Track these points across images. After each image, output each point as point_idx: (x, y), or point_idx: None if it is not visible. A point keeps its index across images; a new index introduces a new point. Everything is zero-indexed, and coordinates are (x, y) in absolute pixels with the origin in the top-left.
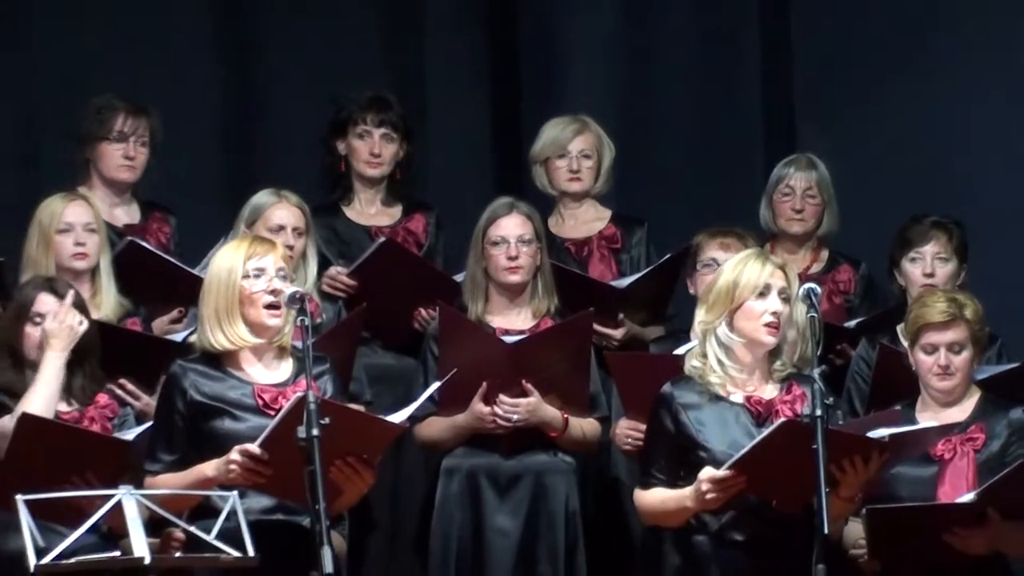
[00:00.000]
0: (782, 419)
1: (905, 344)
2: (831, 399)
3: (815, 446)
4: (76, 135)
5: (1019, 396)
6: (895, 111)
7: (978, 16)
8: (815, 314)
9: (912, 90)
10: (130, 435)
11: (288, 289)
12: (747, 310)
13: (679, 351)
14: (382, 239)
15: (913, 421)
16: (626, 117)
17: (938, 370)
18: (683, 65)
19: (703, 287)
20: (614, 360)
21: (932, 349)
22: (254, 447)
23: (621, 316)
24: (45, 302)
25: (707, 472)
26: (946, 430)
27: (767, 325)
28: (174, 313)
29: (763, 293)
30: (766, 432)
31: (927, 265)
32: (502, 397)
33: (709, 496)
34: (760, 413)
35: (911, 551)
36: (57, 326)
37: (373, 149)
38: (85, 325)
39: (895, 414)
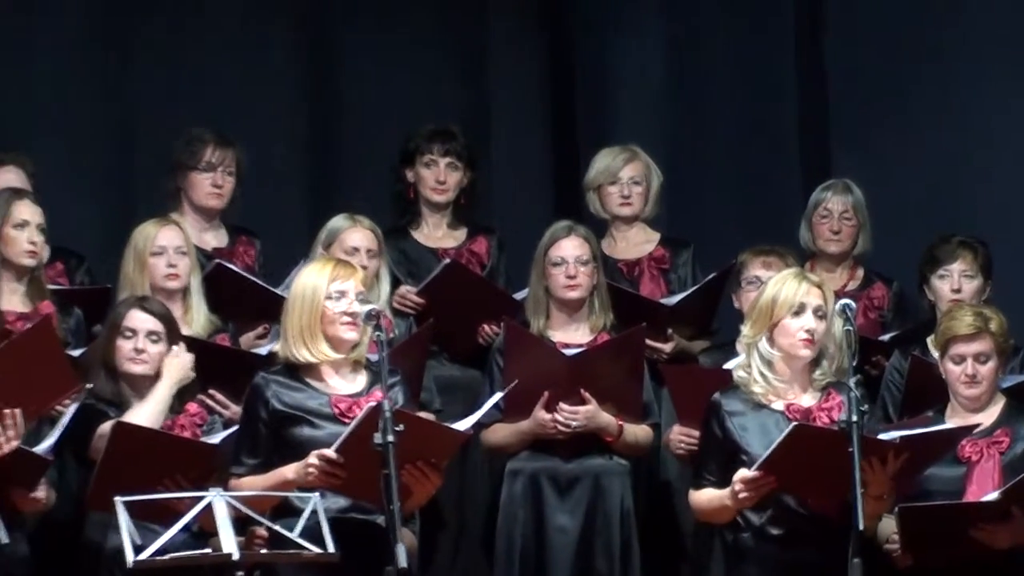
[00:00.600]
0: (793, 423)
1: (935, 355)
2: (866, 406)
3: (851, 449)
4: (169, 165)
5: None
6: (923, 139)
7: (1001, 47)
8: (851, 328)
9: (939, 119)
10: (216, 439)
11: (364, 308)
12: (784, 327)
13: (728, 365)
14: (447, 261)
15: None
16: (673, 146)
17: (965, 379)
18: (725, 97)
19: (747, 303)
20: (669, 372)
21: (960, 359)
22: (330, 452)
23: (670, 331)
24: (136, 318)
25: (740, 473)
26: (965, 431)
27: (802, 340)
28: (259, 329)
29: (798, 311)
30: (782, 436)
31: (954, 282)
32: (562, 405)
33: (742, 495)
34: (798, 419)
35: (940, 546)
36: (176, 363)
37: (439, 177)
38: (190, 366)
39: (926, 420)
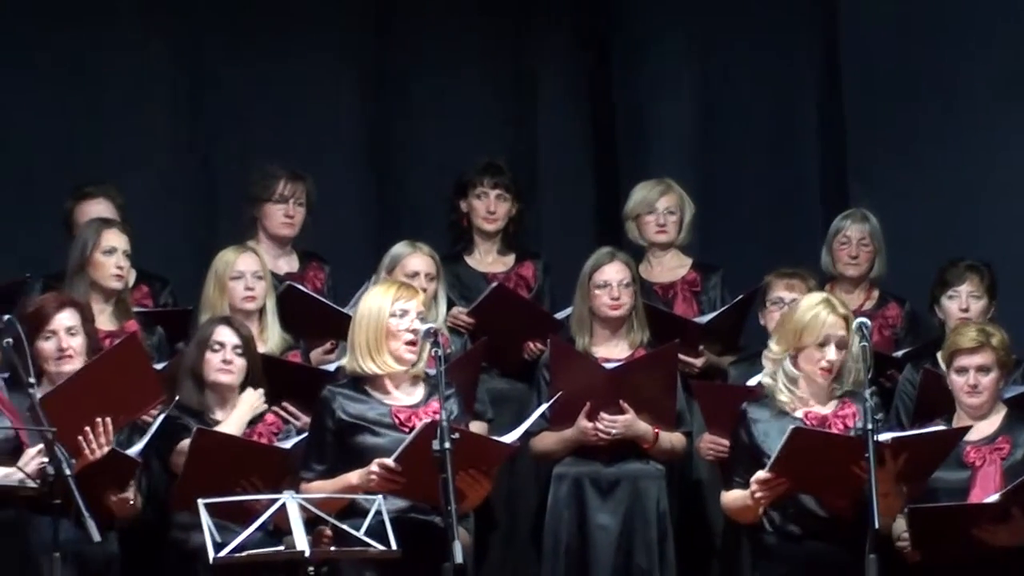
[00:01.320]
0: (792, 427)
1: (944, 368)
2: (880, 415)
3: (867, 455)
4: (246, 197)
5: None
6: (932, 173)
7: (1001, 89)
8: (866, 344)
9: (946, 156)
10: (288, 444)
11: (424, 326)
12: (808, 354)
13: (751, 382)
14: (494, 284)
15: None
16: (705, 179)
17: (968, 388)
18: (751, 135)
19: (772, 321)
20: (698, 387)
21: (963, 371)
22: (390, 461)
23: (701, 347)
24: (224, 334)
25: (756, 475)
26: (958, 433)
27: (822, 370)
28: (327, 345)
29: (823, 343)
30: (783, 439)
31: (962, 302)
32: (603, 414)
33: (757, 495)
34: (814, 426)
35: (947, 543)
36: (255, 397)
37: (489, 207)
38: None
39: (935, 426)
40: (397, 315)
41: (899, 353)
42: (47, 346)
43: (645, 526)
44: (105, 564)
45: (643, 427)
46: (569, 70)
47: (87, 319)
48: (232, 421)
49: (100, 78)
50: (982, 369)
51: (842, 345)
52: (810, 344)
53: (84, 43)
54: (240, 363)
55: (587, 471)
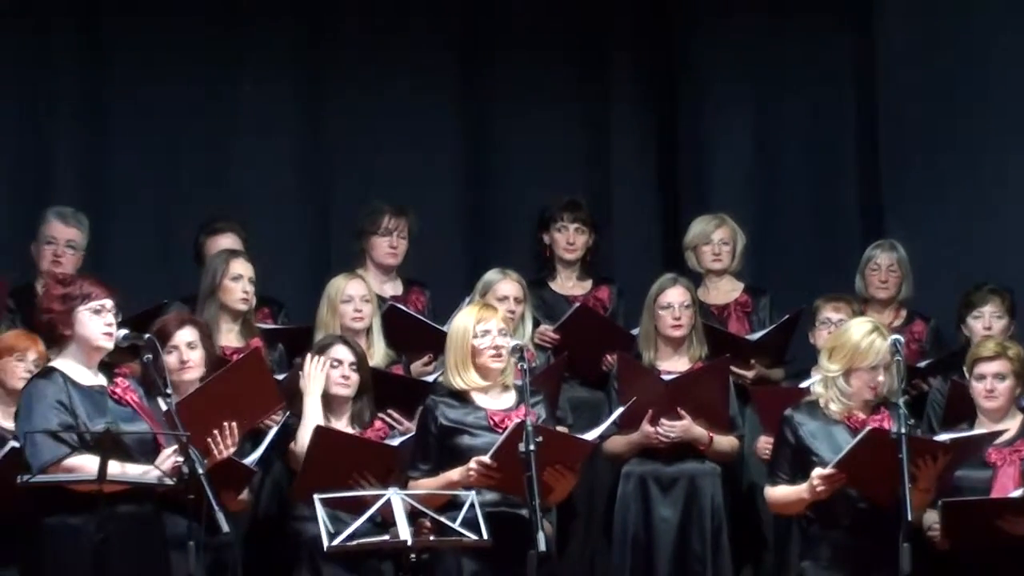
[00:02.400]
0: (869, 427)
1: (968, 378)
2: (912, 420)
3: (900, 455)
4: (355, 230)
5: None
6: (958, 206)
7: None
8: (900, 359)
9: (971, 192)
10: (395, 442)
11: (511, 342)
12: (860, 375)
13: (802, 385)
14: (577, 305)
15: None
16: (756, 213)
17: (985, 393)
18: (798, 174)
19: (821, 339)
20: (756, 392)
21: (982, 377)
22: (486, 459)
23: (752, 361)
24: (342, 351)
25: (817, 471)
26: (993, 436)
27: (871, 389)
28: (426, 359)
29: (875, 367)
30: (858, 437)
31: (986, 321)
32: (663, 420)
33: (819, 489)
34: (856, 429)
35: (973, 533)
36: (308, 380)
37: (569, 239)
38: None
39: (960, 431)
40: (479, 335)
41: (923, 364)
42: (170, 359)
43: (701, 518)
44: (228, 552)
45: (699, 431)
46: (639, 114)
47: (205, 335)
48: (310, 415)
49: (228, 121)
50: (998, 376)
51: (888, 368)
52: (864, 367)
53: (214, 88)
54: (355, 378)
55: (650, 470)
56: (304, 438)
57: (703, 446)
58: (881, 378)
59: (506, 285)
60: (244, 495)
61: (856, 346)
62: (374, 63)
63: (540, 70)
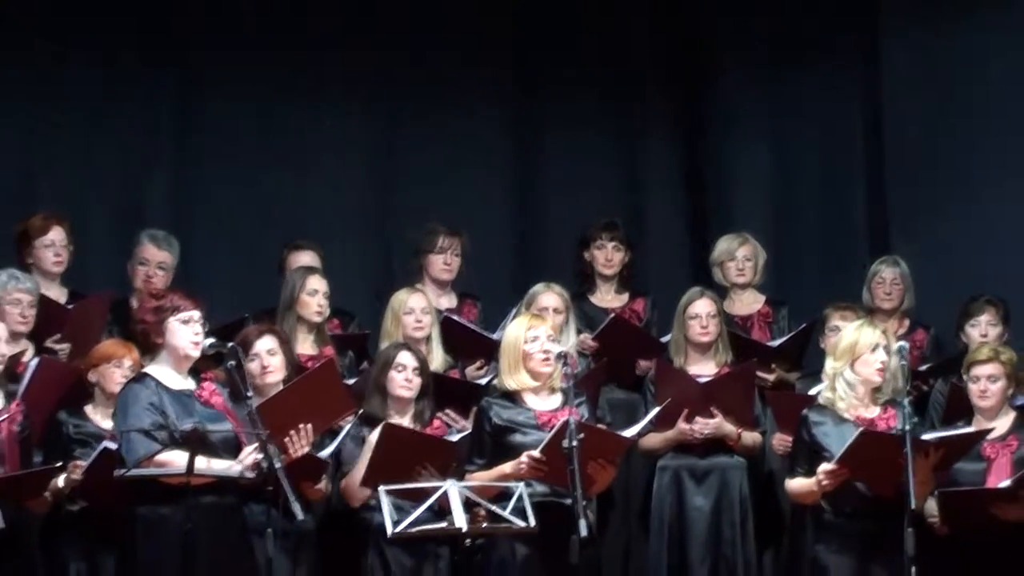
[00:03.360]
0: (860, 429)
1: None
2: (916, 419)
3: (905, 450)
4: (414, 249)
5: None
6: (958, 225)
7: (1016, 158)
8: (905, 363)
9: (970, 211)
10: (455, 438)
11: (556, 348)
12: (864, 360)
13: (811, 392)
14: (612, 316)
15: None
16: (775, 232)
17: (979, 394)
18: (812, 196)
19: (830, 345)
20: (771, 396)
21: (977, 379)
22: (536, 453)
23: (773, 365)
24: (407, 357)
25: (823, 466)
26: (983, 433)
27: (878, 370)
28: (478, 363)
29: (874, 349)
30: (853, 437)
31: (982, 329)
32: (696, 418)
33: (824, 482)
34: (864, 427)
35: (969, 519)
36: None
37: (607, 257)
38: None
39: (958, 428)
40: (530, 341)
41: (923, 367)
42: (253, 365)
43: (731, 507)
44: (305, 538)
45: (729, 428)
46: (670, 146)
47: (284, 342)
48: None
49: (305, 150)
50: (991, 378)
51: (887, 351)
52: (865, 352)
53: (294, 120)
54: (418, 381)
55: (684, 464)
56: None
57: (732, 441)
58: (884, 358)
59: (549, 297)
60: (322, 484)
61: (853, 339)
62: (436, 101)
63: (582, 108)
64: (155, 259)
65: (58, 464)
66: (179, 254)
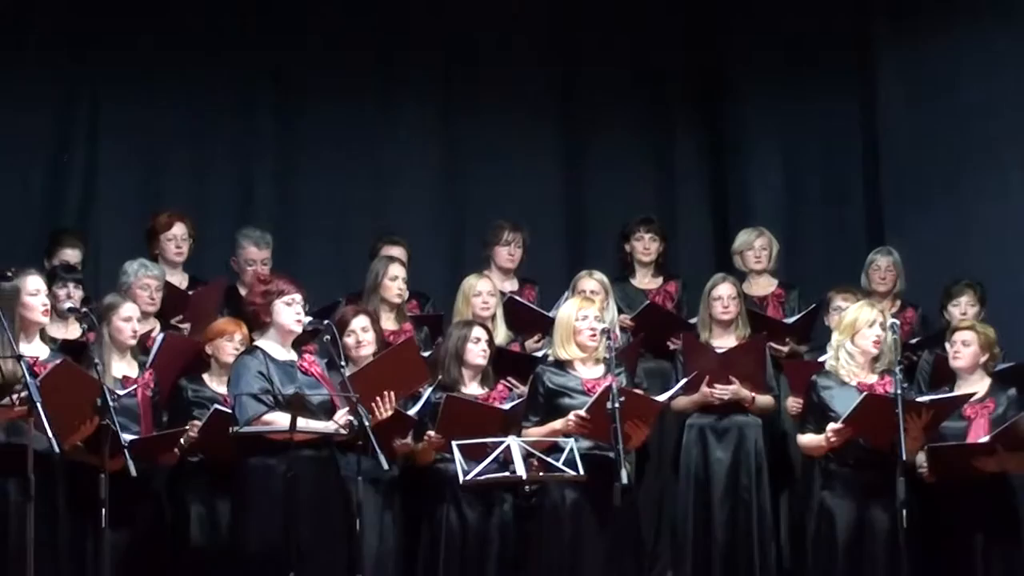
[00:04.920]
0: (865, 393)
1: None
2: (906, 384)
3: (897, 410)
4: (483, 241)
5: (1015, 382)
6: (943, 220)
7: (994, 162)
8: (897, 337)
9: (954, 208)
10: (507, 406)
11: (600, 326)
12: (863, 334)
13: (820, 359)
14: (647, 302)
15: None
16: (786, 227)
17: (953, 354)
18: (817, 196)
19: (834, 321)
20: (786, 364)
21: (954, 343)
22: (583, 412)
23: (787, 339)
24: (480, 332)
25: (831, 426)
26: (965, 397)
27: (874, 342)
28: (536, 337)
29: (871, 325)
30: (857, 401)
31: (962, 309)
32: (717, 384)
33: (832, 440)
34: (863, 391)
35: (952, 469)
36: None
37: (645, 246)
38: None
39: (943, 392)
40: (580, 319)
41: (913, 341)
42: (348, 341)
43: (747, 459)
44: (390, 485)
45: (745, 392)
46: (697, 153)
47: (374, 320)
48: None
49: (389, 157)
50: (965, 343)
51: (883, 327)
52: (863, 327)
53: (379, 130)
54: (489, 351)
55: (708, 422)
56: None
57: (748, 403)
58: (880, 332)
59: (590, 282)
60: (409, 440)
61: (853, 316)
62: (500, 118)
63: (623, 124)
64: (256, 256)
65: (185, 426)
66: (272, 248)
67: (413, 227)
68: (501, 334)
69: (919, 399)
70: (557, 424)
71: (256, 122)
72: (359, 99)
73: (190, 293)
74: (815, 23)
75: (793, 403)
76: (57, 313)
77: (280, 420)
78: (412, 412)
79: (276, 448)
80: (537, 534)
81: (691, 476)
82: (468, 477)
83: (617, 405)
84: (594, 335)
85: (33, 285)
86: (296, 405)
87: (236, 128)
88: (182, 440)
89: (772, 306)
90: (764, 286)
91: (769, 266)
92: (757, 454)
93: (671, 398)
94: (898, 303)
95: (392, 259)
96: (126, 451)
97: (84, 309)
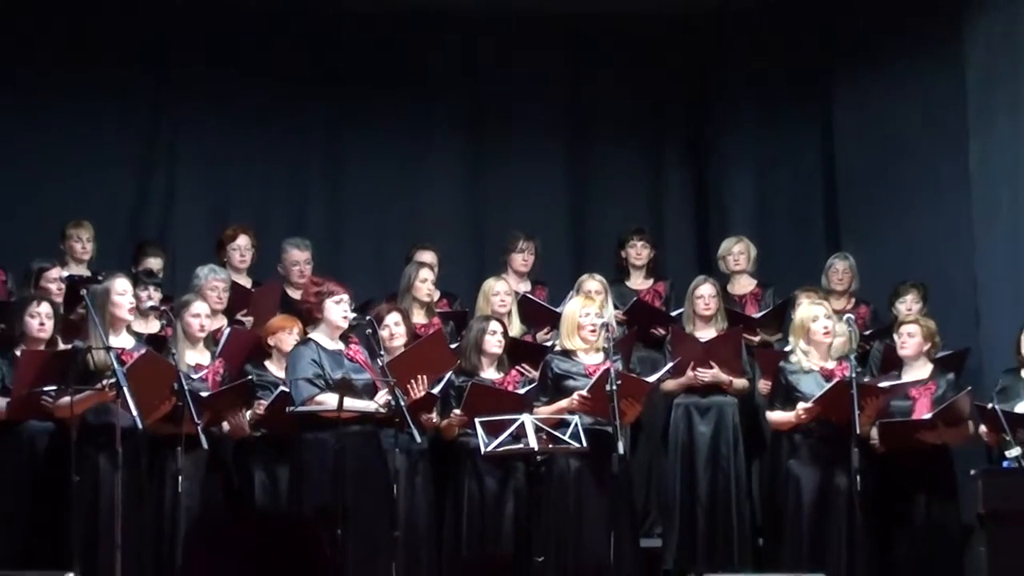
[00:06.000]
0: (837, 378)
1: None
2: (860, 369)
3: (852, 391)
4: (501, 249)
5: (952, 368)
6: (890, 229)
7: (933, 177)
8: (852, 330)
9: (898, 223)
10: (522, 391)
11: (600, 321)
12: (812, 329)
13: (786, 349)
14: (635, 299)
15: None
16: (761, 236)
17: (900, 344)
18: (785, 210)
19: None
20: (758, 352)
21: (900, 334)
22: (585, 393)
23: (758, 331)
24: (496, 325)
25: (801, 404)
26: (913, 384)
27: (824, 332)
28: (546, 330)
29: (815, 320)
30: (829, 385)
31: (908, 305)
32: (700, 369)
33: (803, 416)
34: (826, 376)
35: (900, 441)
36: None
37: (637, 252)
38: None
39: (893, 377)
40: (583, 315)
41: (867, 333)
42: (384, 333)
43: (726, 432)
44: (421, 455)
45: (723, 376)
46: (684, 174)
47: (406, 316)
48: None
49: (422, 174)
50: (910, 334)
51: (828, 316)
52: (810, 324)
53: (413, 152)
54: (504, 342)
55: (692, 401)
56: None
57: (726, 385)
58: (826, 323)
59: (591, 283)
60: (433, 415)
61: (800, 318)
62: (516, 143)
63: (620, 146)
64: (300, 259)
65: (245, 388)
66: (310, 247)
67: (442, 236)
68: (516, 327)
69: (879, 384)
70: (563, 403)
71: (308, 148)
72: (396, 127)
73: (252, 292)
74: (783, 66)
75: (764, 385)
76: (140, 311)
77: (330, 400)
78: (435, 391)
79: (327, 424)
80: (546, 497)
81: (678, 447)
82: (488, 449)
83: (614, 387)
84: (594, 329)
85: (121, 287)
86: (343, 387)
87: (291, 154)
88: (248, 416)
89: (751, 302)
90: (744, 285)
91: (747, 268)
92: (734, 428)
93: (660, 380)
94: (853, 300)
95: (422, 264)
96: (198, 427)
97: (163, 308)
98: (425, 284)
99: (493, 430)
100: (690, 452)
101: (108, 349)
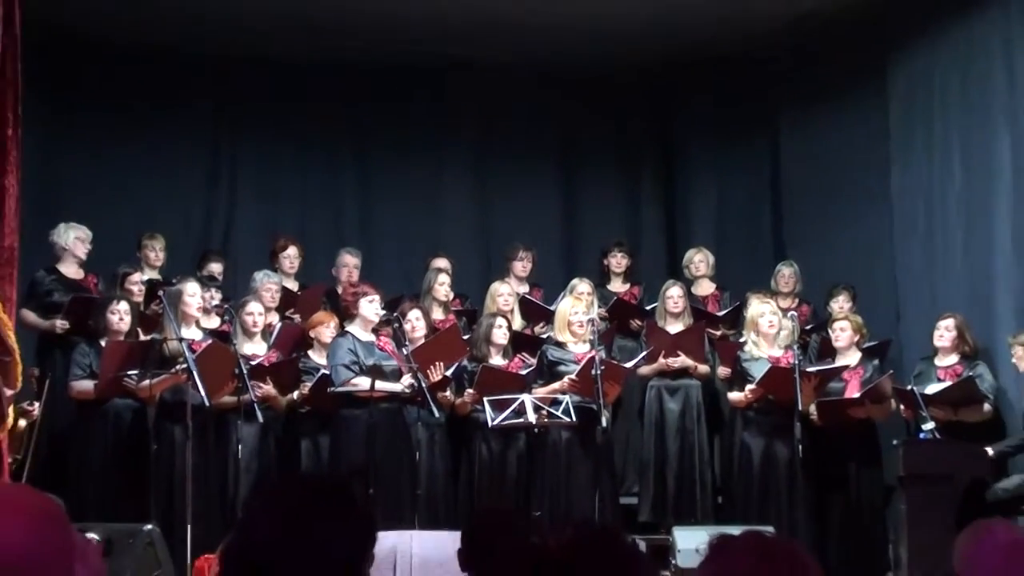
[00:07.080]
0: (769, 365)
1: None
2: (802, 357)
3: (794, 376)
4: (503, 257)
5: (877, 355)
6: (828, 244)
7: (866, 193)
8: (794, 324)
9: (835, 236)
10: (523, 373)
11: (586, 317)
12: (759, 324)
13: (741, 340)
14: (615, 299)
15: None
16: (719, 247)
17: (835, 337)
18: (740, 226)
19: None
20: (718, 344)
21: (834, 329)
22: (574, 376)
23: (719, 326)
24: (500, 320)
25: (749, 387)
26: (845, 368)
27: (769, 325)
28: (541, 325)
29: (762, 316)
30: (766, 371)
31: (840, 304)
32: (670, 357)
33: (749, 397)
34: (774, 363)
35: (835, 416)
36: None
37: (617, 262)
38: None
39: (828, 363)
40: (572, 313)
41: (808, 327)
42: (407, 327)
43: (691, 410)
44: (439, 427)
45: (690, 362)
46: (656, 196)
47: (426, 313)
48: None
49: (436, 195)
50: (842, 329)
51: (774, 313)
52: (758, 319)
53: (429, 176)
54: (508, 335)
55: (663, 383)
56: None
57: (692, 371)
58: (772, 319)
59: (582, 285)
60: (448, 393)
61: (751, 315)
62: (516, 168)
63: (604, 174)
64: (351, 263)
65: (299, 366)
66: (361, 255)
67: (455, 247)
68: (517, 323)
69: (810, 369)
70: (556, 385)
71: (344, 174)
72: (417, 157)
73: (299, 294)
74: (737, 106)
75: (723, 371)
76: (205, 310)
77: (363, 383)
78: (448, 373)
79: (361, 402)
80: (542, 461)
81: (652, 422)
82: (495, 422)
83: (599, 372)
84: (582, 324)
85: (191, 289)
86: (375, 372)
87: (330, 178)
88: (295, 396)
89: (712, 302)
90: (706, 288)
91: (707, 273)
92: (698, 406)
93: (636, 365)
94: (796, 300)
95: (439, 270)
96: (255, 405)
97: (224, 307)
98: (442, 287)
99: (499, 407)
100: (661, 425)
101: (180, 340)
